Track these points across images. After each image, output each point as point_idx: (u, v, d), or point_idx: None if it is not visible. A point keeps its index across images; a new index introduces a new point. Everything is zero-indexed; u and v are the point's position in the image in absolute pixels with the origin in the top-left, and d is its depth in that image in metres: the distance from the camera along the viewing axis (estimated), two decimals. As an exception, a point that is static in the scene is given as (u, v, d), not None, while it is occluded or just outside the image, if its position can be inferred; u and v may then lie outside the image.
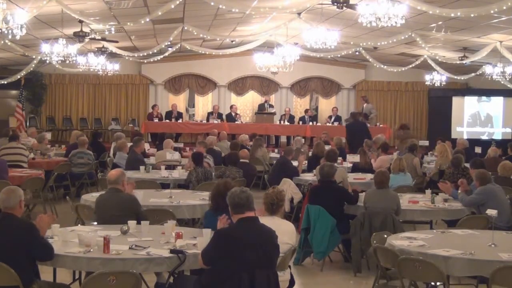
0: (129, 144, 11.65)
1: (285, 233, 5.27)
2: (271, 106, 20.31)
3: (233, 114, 19.73)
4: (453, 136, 19.39)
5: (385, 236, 5.90)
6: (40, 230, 4.88)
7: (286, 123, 19.31)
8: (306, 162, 11.55)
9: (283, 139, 19.78)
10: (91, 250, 4.88)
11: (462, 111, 20.83)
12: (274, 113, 19.77)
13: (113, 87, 21.03)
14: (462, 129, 20.64)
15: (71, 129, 19.08)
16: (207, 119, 19.54)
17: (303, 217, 7.73)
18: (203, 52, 18.03)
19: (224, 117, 19.54)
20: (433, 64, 17.18)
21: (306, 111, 20.48)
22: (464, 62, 15.96)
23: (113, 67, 17.63)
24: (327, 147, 11.91)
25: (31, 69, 16.96)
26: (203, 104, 21.70)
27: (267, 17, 14.64)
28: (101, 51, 16.45)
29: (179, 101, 21.26)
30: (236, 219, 4.63)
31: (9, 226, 4.77)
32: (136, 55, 17.15)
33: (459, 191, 7.80)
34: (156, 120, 18.93)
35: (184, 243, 5.06)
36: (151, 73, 20.92)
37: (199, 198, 7.59)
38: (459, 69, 18.34)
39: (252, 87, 21.62)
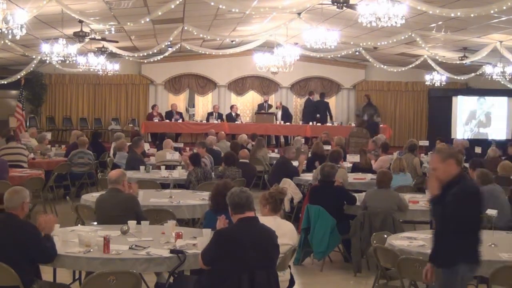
0: (128, 144, 11.66)
1: (285, 233, 5.27)
2: (270, 106, 20.33)
3: (233, 114, 19.72)
4: (453, 136, 19.40)
5: (385, 236, 5.91)
6: (47, 230, 4.85)
7: (280, 119, 19.30)
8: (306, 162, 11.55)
9: (283, 139, 19.78)
10: (91, 250, 4.89)
11: (462, 111, 20.82)
12: (274, 113, 19.76)
13: (113, 87, 21.01)
14: (462, 129, 20.63)
15: (71, 129, 19.06)
16: (207, 119, 19.54)
17: (303, 217, 7.73)
18: (203, 52, 18.02)
19: (224, 117, 19.55)
20: (433, 64, 17.17)
21: (321, 94, 20.39)
22: (464, 62, 15.95)
23: (113, 67, 17.62)
24: (327, 147, 11.92)
25: (31, 69, 16.93)
26: (203, 104, 21.67)
27: (267, 17, 14.63)
28: (101, 51, 16.44)
29: (179, 101, 21.24)
30: (236, 219, 4.63)
31: (10, 226, 4.76)
32: (136, 55, 17.14)
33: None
34: (156, 120, 18.94)
35: (184, 243, 5.07)
36: (151, 73, 20.91)
37: (199, 198, 7.60)
38: (459, 69, 18.32)
39: (252, 87, 21.60)
